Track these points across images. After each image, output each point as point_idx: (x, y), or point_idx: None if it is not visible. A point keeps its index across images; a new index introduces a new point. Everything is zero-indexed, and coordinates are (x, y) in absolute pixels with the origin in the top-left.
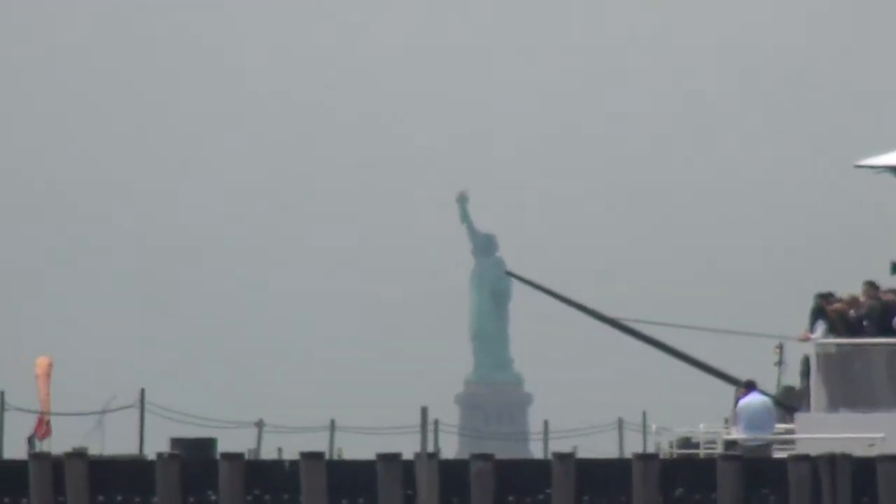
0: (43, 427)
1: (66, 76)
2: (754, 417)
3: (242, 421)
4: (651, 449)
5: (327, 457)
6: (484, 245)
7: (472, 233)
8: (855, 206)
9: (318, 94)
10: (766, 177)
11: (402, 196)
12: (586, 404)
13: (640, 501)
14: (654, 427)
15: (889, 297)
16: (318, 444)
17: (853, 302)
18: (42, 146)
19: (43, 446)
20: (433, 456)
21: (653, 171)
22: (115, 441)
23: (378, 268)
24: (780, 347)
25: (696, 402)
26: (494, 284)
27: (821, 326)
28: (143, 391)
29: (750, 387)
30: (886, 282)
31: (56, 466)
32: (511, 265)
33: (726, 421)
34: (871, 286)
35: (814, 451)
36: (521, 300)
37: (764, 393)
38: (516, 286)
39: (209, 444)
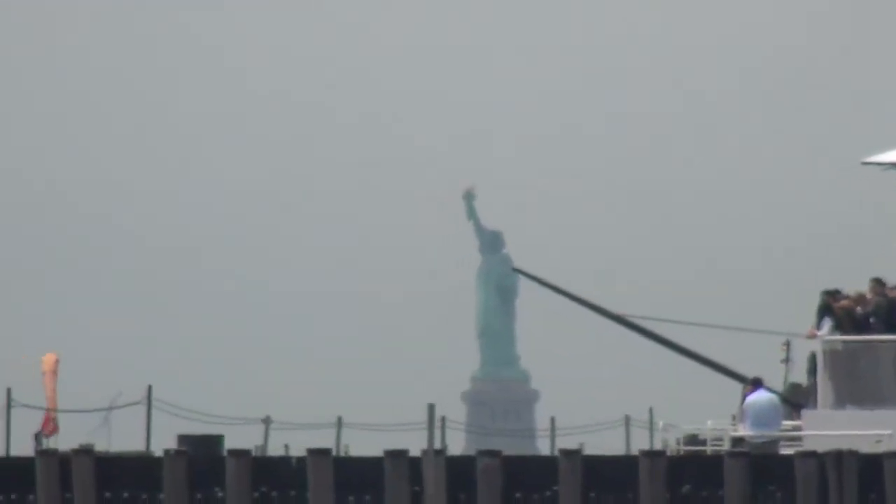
0: (50, 424)
1: (66, 76)
2: (761, 414)
3: (249, 417)
4: (658, 446)
5: (334, 453)
6: (491, 242)
7: (479, 229)
8: (862, 203)
9: (318, 94)
10: (773, 174)
11: (408, 195)
12: (593, 401)
13: (647, 498)
14: (661, 424)
15: None
16: (325, 440)
17: (860, 299)
18: (42, 146)
19: (50, 443)
20: (440, 452)
21: (657, 170)
22: (122, 438)
23: (385, 266)
24: (787, 344)
25: (703, 398)
26: (501, 281)
27: (828, 323)
28: (150, 388)
29: (757, 384)
30: (893, 279)
31: (63, 463)
32: (518, 262)
33: (733, 418)
34: (878, 283)
35: (821, 447)
36: (528, 297)
37: (771, 390)
38: (523, 283)
39: (216, 440)
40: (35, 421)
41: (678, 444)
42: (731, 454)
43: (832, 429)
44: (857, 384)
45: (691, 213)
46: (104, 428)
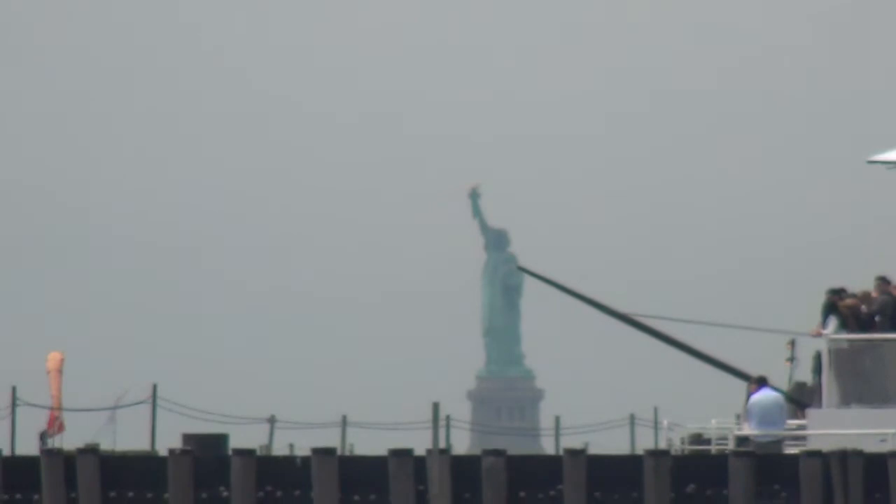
0: (56, 423)
1: (66, 76)
2: (766, 413)
3: (254, 417)
4: (663, 445)
5: (339, 452)
6: (496, 240)
7: (485, 227)
8: (867, 201)
9: (320, 94)
10: (779, 173)
11: (413, 194)
12: (598, 400)
13: (652, 497)
14: (665, 423)
15: None
16: (330, 439)
17: (865, 297)
18: (43, 146)
19: (55, 442)
20: (445, 451)
21: (661, 170)
22: (127, 437)
23: (389, 265)
24: (792, 343)
25: (707, 397)
26: (506, 280)
27: (833, 322)
28: (155, 387)
29: (762, 383)
30: None
31: (68, 462)
32: (523, 260)
33: (738, 417)
34: (884, 281)
35: (825, 446)
36: (533, 295)
37: (776, 389)
38: (528, 281)
39: (221, 439)
40: (40, 420)
41: (683, 443)
42: (736, 453)
43: (837, 428)
44: (862, 383)
45: (696, 212)
46: (109, 427)
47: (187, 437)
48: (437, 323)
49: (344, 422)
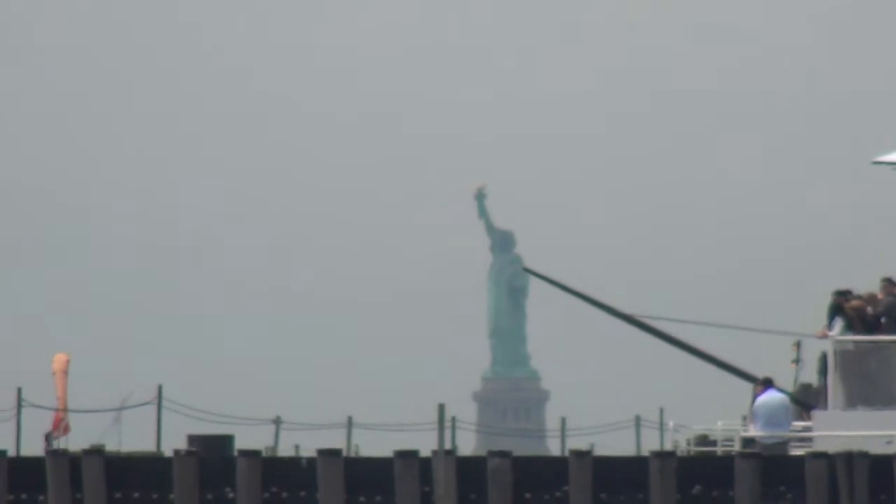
0: (61, 426)
1: (68, 76)
2: (772, 415)
3: (260, 418)
4: (668, 446)
5: (345, 454)
6: (502, 241)
7: (491, 229)
8: (872, 202)
9: (322, 94)
10: (784, 174)
11: (419, 195)
12: (604, 401)
13: (658, 499)
14: (671, 424)
15: None
16: (336, 441)
17: (871, 299)
18: (44, 146)
19: (60, 443)
20: (450, 453)
21: (668, 171)
22: (133, 438)
23: (393, 265)
24: (798, 345)
25: (713, 399)
26: (512, 281)
27: (839, 323)
28: (160, 388)
29: (767, 384)
30: None
31: (73, 463)
32: (529, 262)
33: (744, 418)
34: (890, 283)
35: (831, 448)
36: (539, 297)
37: (781, 390)
38: (534, 283)
39: (226, 440)
40: (45, 421)
41: (689, 444)
42: (742, 455)
43: (843, 429)
44: (867, 385)
45: (696, 212)
46: (115, 428)
47: (193, 438)
48: (443, 324)
49: (349, 423)
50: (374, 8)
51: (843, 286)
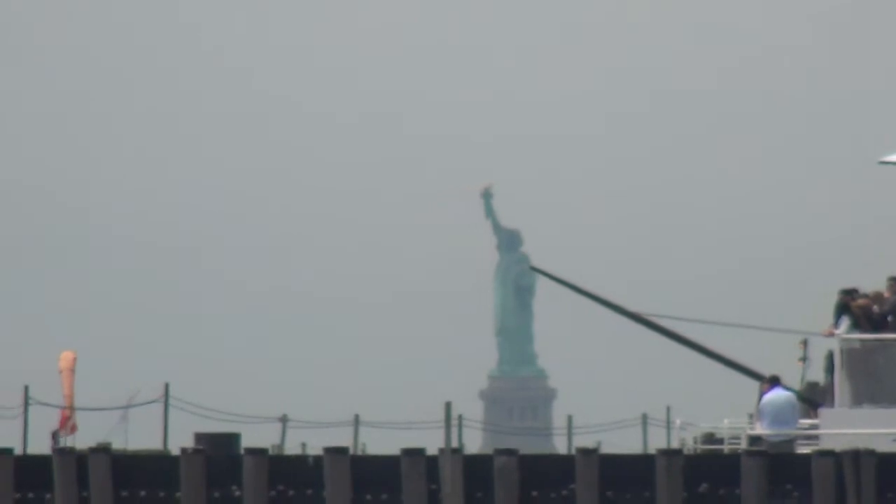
0: (68, 425)
1: (66, 76)
2: (778, 413)
3: (266, 416)
4: (675, 444)
5: (351, 452)
6: (508, 240)
7: (497, 228)
8: (879, 202)
9: (324, 93)
10: (791, 173)
11: (414, 194)
12: (610, 399)
13: (664, 497)
14: (678, 422)
15: None
16: (342, 439)
17: (877, 297)
18: (45, 146)
19: (67, 441)
20: (457, 451)
21: (675, 169)
22: (140, 436)
23: (402, 264)
24: (805, 343)
25: (720, 397)
26: (519, 280)
27: (845, 322)
28: (167, 386)
29: (774, 382)
30: None
31: (80, 461)
32: (535, 260)
33: (750, 416)
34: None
35: (838, 446)
36: (546, 295)
37: (788, 388)
38: (541, 281)
39: (233, 439)
40: (52, 419)
41: (695, 442)
42: (749, 453)
43: (849, 427)
44: (874, 383)
45: (696, 212)
46: (121, 426)
47: (199, 437)
48: (450, 323)
49: (356, 421)
50: (374, 8)
51: (846, 286)
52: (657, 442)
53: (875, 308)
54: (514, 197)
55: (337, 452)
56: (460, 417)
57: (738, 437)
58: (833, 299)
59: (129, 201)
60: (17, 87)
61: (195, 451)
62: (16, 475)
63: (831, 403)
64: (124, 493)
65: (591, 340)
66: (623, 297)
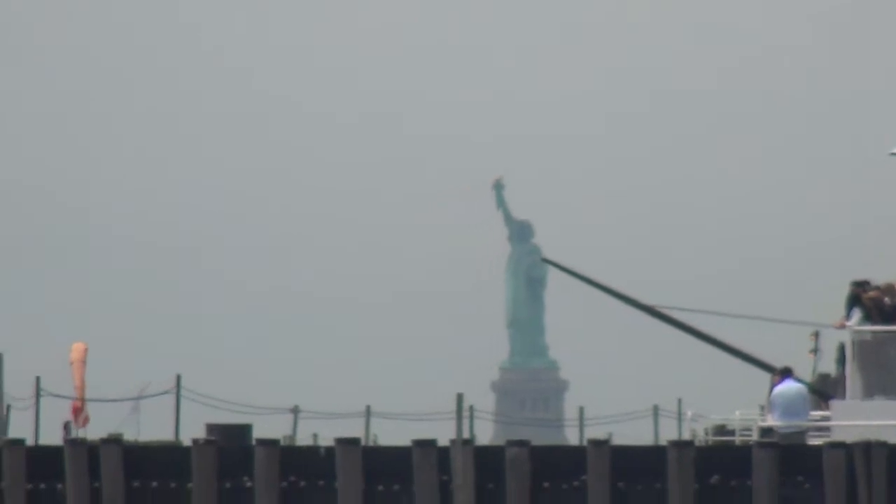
0: (80, 417)
1: (66, 76)
2: (790, 405)
3: (278, 407)
4: (686, 436)
5: (363, 443)
6: (520, 232)
7: (509, 219)
8: (891, 194)
9: (326, 93)
10: (802, 165)
11: (414, 194)
12: (622, 391)
13: (676, 488)
14: (689, 414)
15: None
16: (354, 430)
17: (889, 289)
18: (46, 146)
19: (78, 433)
20: (468, 442)
21: (688, 161)
22: (151, 427)
23: (413, 255)
24: (816, 335)
25: (731, 389)
26: (530, 271)
27: (856, 314)
28: (178, 377)
29: (785, 374)
30: None
31: (91, 452)
32: (547, 252)
33: (762, 408)
34: None
35: (849, 438)
36: (557, 287)
37: (799, 380)
38: (552, 273)
39: (245, 430)
40: (64, 410)
41: (707, 434)
42: (760, 444)
43: (861, 419)
44: (885, 374)
45: (696, 212)
46: (133, 417)
47: (211, 428)
48: (461, 315)
49: (368, 412)
50: (374, 8)
51: (861, 277)
52: (668, 433)
53: (886, 300)
54: (511, 197)
55: (348, 443)
56: (472, 409)
57: (749, 429)
58: (841, 292)
59: (129, 201)
60: (17, 87)
61: (207, 442)
62: (28, 466)
63: (842, 395)
64: (136, 484)
65: (602, 332)
66: (645, 289)
